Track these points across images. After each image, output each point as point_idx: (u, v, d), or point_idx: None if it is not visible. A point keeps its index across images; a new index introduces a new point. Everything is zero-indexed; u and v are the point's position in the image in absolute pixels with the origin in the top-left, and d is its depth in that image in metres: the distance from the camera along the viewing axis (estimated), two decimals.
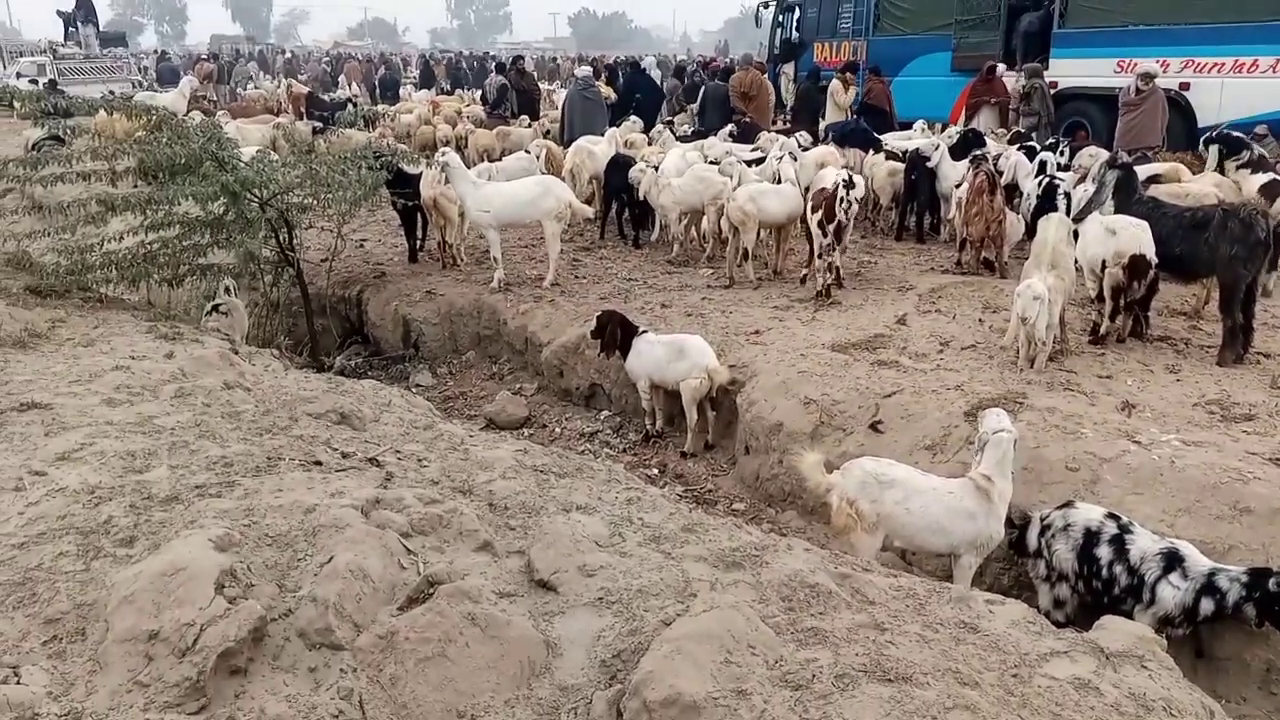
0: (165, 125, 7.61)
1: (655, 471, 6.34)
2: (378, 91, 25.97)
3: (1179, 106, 12.55)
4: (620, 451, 6.70)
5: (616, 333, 6.56)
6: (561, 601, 2.86)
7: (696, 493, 6.01)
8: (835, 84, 15.29)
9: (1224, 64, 12.70)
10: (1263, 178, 8.44)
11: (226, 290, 7.09)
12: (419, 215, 9.71)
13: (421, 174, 9.08)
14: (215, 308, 6.95)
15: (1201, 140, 10.57)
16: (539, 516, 3.42)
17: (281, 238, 8.01)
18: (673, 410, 6.65)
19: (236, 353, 5.70)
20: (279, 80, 29.71)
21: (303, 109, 20.38)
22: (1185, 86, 12.93)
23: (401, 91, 26.14)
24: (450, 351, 8.55)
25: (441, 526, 3.16)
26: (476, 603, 2.66)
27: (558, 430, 7.13)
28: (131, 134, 10.03)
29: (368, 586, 2.68)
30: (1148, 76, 10.92)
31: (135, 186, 8.03)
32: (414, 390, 7.27)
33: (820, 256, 7.74)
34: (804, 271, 8.41)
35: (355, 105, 19.70)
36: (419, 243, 9.95)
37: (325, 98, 22.34)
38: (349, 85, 27.60)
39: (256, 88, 26.90)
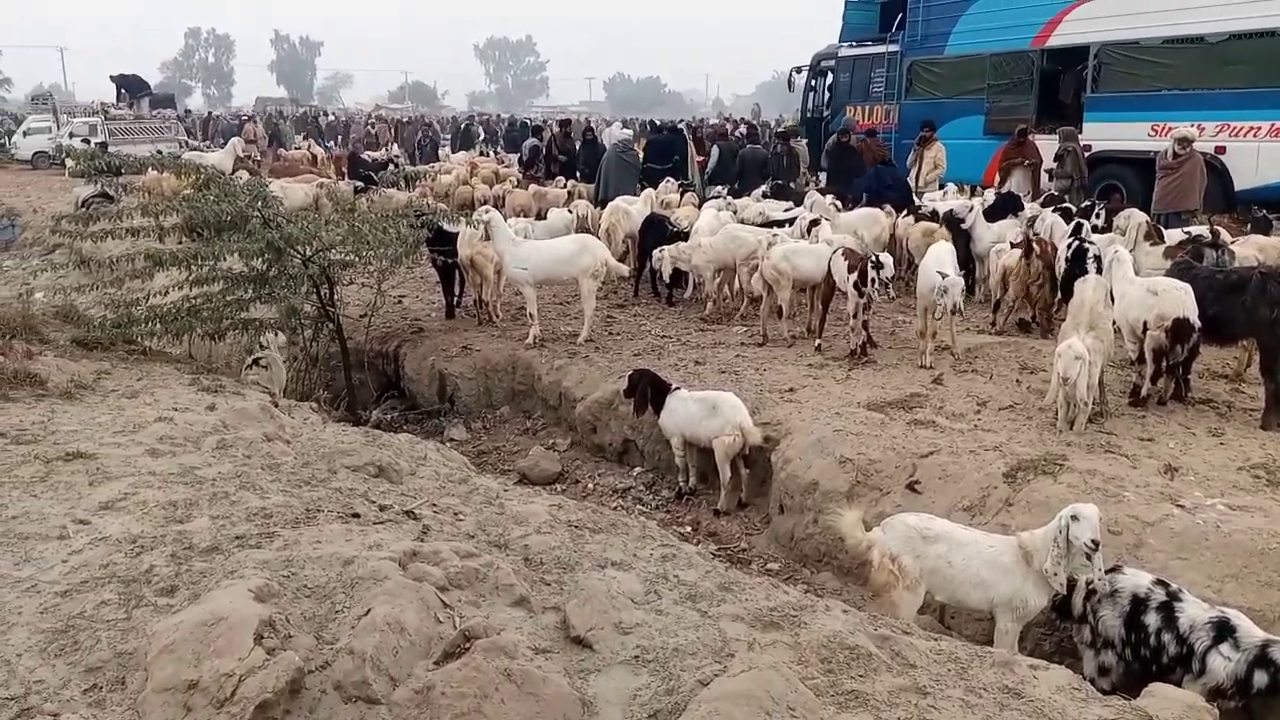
0: (213, 183, 7.81)
1: (688, 529, 6.29)
2: (417, 153, 26.55)
3: (1216, 170, 12.50)
4: (653, 508, 6.67)
5: (648, 391, 6.57)
6: (597, 659, 2.83)
7: (730, 551, 5.95)
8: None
9: (1260, 128, 12.68)
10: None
11: (266, 344, 7.20)
12: (457, 272, 9.87)
13: (460, 232, 9.23)
14: (256, 361, 7.06)
15: None
16: (574, 572, 3.40)
17: (323, 293, 8.13)
18: (706, 468, 6.62)
19: (276, 405, 5.77)
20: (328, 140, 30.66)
21: (344, 169, 20.84)
22: (1221, 150, 12.90)
23: (440, 153, 26.70)
24: (485, 406, 8.59)
25: (478, 580, 3.15)
26: (513, 658, 2.63)
27: (591, 486, 7.11)
28: (179, 192, 10.30)
29: (404, 640, 2.67)
30: (1185, 140, 10.84)
31: (180, 243, 8.22)
32: (449, 444, 7.29)
33: (855, 315, 7.73)
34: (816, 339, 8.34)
35: (397, 165, 20.09)
36: (456, 299, 10.10)
37: (367, 158, 22.83)
38: (389, 146, 28.26)
39: (298, 148, 27.60)
